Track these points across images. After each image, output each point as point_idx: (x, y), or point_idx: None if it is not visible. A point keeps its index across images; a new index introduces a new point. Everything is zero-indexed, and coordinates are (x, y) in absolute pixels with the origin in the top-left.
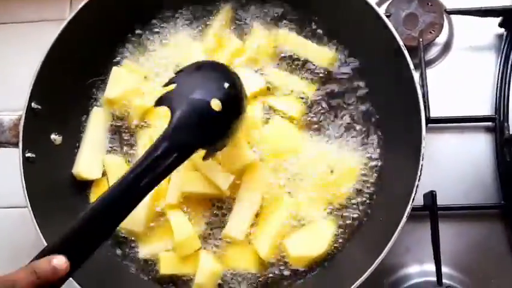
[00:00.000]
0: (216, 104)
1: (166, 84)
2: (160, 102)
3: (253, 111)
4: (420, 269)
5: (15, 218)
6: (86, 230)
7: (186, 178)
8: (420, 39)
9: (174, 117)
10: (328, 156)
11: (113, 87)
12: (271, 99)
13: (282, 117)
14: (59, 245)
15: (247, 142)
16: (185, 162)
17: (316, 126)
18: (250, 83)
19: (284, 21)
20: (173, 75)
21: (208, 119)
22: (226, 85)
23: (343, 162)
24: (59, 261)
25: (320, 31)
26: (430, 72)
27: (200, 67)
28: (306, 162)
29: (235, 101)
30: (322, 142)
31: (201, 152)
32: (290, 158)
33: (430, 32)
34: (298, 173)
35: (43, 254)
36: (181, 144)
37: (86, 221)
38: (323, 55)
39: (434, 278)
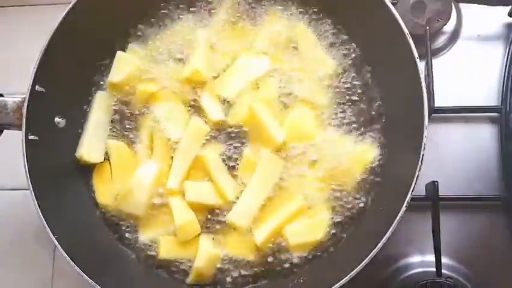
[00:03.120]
0: None
1: None
2: None
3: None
4: (422, 259)
5: (19, 200)
6: None
7: (195, 188)
8: (427, 28)
9: None
10: (336, 145)
11: (117, 72)
12: (296, 86)
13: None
14: None
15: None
16: (197, 170)
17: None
18: (256, 67)
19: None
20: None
21: None
22: None
23: (350, 151)
24: None
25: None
26: (437, 61)
27: None
28: (318, 151)
29: None
30: (330, 131)
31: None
32: (304, 144)
33: (438, 21)
34: (310, 161)
35: None
36: None
37: None
38: (325, 66)
39: (435, 269)
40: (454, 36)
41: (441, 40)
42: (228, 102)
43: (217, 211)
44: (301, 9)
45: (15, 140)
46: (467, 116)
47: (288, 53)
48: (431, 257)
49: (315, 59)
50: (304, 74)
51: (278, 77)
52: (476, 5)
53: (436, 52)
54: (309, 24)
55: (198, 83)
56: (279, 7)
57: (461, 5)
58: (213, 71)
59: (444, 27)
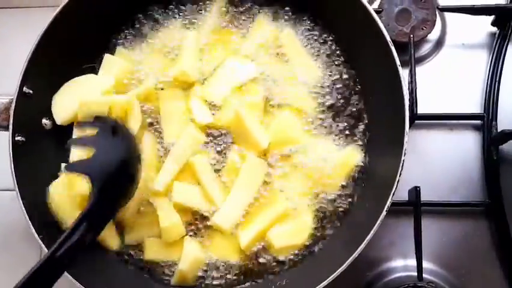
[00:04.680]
0: (127, 170)
1: (78, 144)
2: (76, 168)
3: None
4: (404, 263)
5: (5, 201)
6: None
7: (183, 190)
8: (411, 35)
9: (93, 193)
10: (320, 149)
11: (105, 75)
12: (281, 89)
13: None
14: None
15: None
16: (185, 173)
17: (310, 119)
18: (242, 72)
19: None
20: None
21: (121, 185)
22: (131, 150)
23: (334, 156)
24: None
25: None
26: (421, 68)
27: (114, 131)
28: (302, 155)
29: (138, 160)
30: (314, 135)
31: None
32: (288, 148)
33: (422, 29)
34: (294, 165)
35: None
36: (98, 225)
37: None
38: (310, 73)
39: (416, 273)
40: (439, 44)
41: (425, 48)
42: (215, 106)
43: (202, 214)
44: (287, 16)
45: (1, 141)
46: (450, 123)
47: (274, 59)
48: (413, 261)
49: (300, 65)
50: (289, 79)
51: (264, 82)
52: (460, 14)
53: (421, 60)
54: (295, 30)
55: (185, 84)
56: (267, 13)
57: (446, 14)
58: (201, 74)
59: (429, 35)
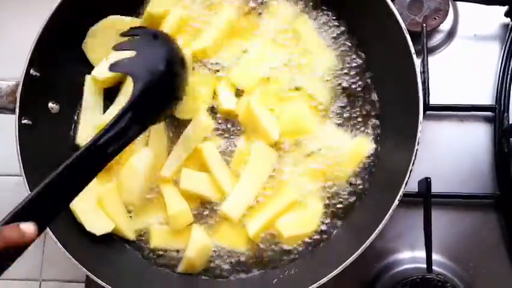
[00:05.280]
0: (170, 71)
1: (120, 48)
2: (119, 67)
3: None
4: (412, 255)
5: (11, 187)
6: (53, 193)
7: (191, 177)
8: (424, 25)
9: (136, 88)
10: (331, 139)
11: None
12: (302, 77)
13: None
14: (27, 207)
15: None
16: (194, 160)
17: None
18: (271, 59)
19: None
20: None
21: (166, 87)
22: (175, 52)
23: (345, 145)
24: (27, 227)
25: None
26: (433, 59)
27: (155, 36)
28: (313, 144)
29: (183, 64)
30: (326, 125)
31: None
32: (300, 137)
33: (435, 18)
34: (305, 154)
35: (11, 217)
36: (143, 116)
37: (53, 184)
38: (325, 62)
39: (425, 265)
40: (450, 34)
41: (437, 38)
42: (242, 92)
43: (210, 201)
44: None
45: (7, 125)
46: (461, 114)
47: (288, 45)
48: (421, 253)
49: (315, 53)
50: (303, 67)
51: (280, 69)
52: (473, 4)
53: (432, 50)
54: (310, 16)
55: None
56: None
57: (458, 4)
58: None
59: (441, 25)
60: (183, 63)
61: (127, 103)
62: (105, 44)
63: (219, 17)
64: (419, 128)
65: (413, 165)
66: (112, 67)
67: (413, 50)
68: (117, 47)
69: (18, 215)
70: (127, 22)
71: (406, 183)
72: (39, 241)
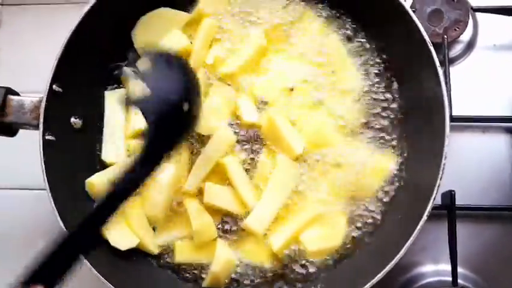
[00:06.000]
0: (185, 105)
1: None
2: (134, 103)
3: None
4: (435, 268)
5: (30, 200)
6: (62, 255)
7: (214, 191)
8: (445, 36)
9: (151, 129)
10: (355, 153)
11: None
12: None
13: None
14: (38, 270)
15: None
16: (216, 174)
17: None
18: (295, 73)
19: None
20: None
21: (180, 121)
22: (191, 84)
23: (369, 160)
24: None
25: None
26: (453, 70)
27: (169, 63)
28: (337, 158)
29: (198, 95)
30: (350, 139)
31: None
32: (323, 151)
33: (455, 29)
34: (328, 168)
35: (24, 280)
36: (158, 158)
37: (63, 246)
38: (351, 79)
39: (449, 278)
40: (470, 45)
41: (457, 49)
42: (266, 104)
43: (233, 215)
44: (330, 17)
45: (24, 139)
46: (482, 125)
47: (317, 61)
48: (444, 266)
49: (342, 71)
50: (328, 83)
51: (306, 84)
52: (492, 15)
53: (452, 61)
54: (338, 33)
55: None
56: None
57: (477, 14)
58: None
59: (461, 36)
60: (198, 90)
61: (142, 149)
62: (153, 35)
63: (248, 42)
64: (446, 143)
65: (440, 180)
66: (127, 101)
67: (438, 63)
68: (128, 75)
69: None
70: (178, 15)
71: (434, 198)
72: None
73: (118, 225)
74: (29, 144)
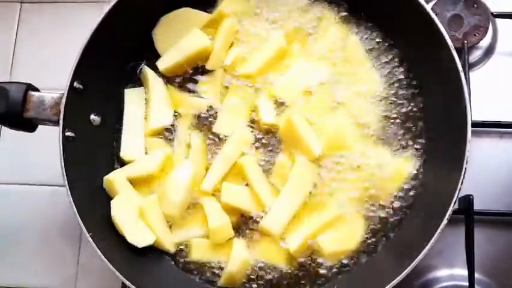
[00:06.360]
0: None
1: None
2: None
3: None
4: (450, 272)
5: (45, 195)
6: None
7: (232, 191)
8: (465, 41)
9: None
10: (374, 156)
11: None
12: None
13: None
14: None
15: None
16: (233, 174)
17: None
18: (314, 74)
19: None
20: None
21: None
22: None
23: (388, 163)
24: None
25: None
26: (471, 75)
27: None
28: (355, 161)
29: None
30: (370, 142)
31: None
32: (342, 153)
33: (474, 35)
34: (347, 170)
35: None
36: None
37: None
38: (372, 82)
39: (464, 283)
40: (489, 51)
41: (476, 55)
42: (285, 105)
43: (249, 215)
44: (352, 20)
45: (39, 135)
46: (501, 131)
47: (338, 64)
48: (459, 271)
49: (362, 73)
50: (349, 85)
51: (326, 86)
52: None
53: (471, 66)
54: (360, 36)
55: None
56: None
57: (498, 20)
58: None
59: (480, 41)
60: None
61: None
62: (173, 35)
63: (269, 43)
64: (468, 147)
65: (461, 184)
66: None
67: (460, 68)
68: None
69: None
70: (198, 15)
71: (455, 202)
72: (74, 251)
73: (135, 222)
74: (45, 141)
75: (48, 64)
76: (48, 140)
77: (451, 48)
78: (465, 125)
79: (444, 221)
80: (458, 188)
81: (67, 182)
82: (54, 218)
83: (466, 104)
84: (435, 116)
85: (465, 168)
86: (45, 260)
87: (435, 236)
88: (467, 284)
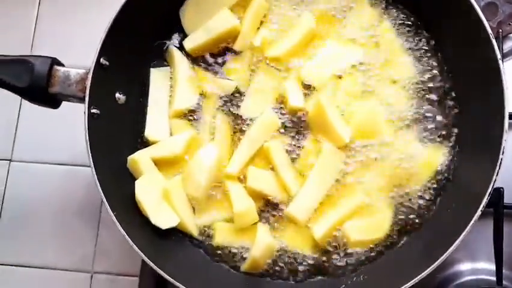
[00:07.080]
0: None
1: None
2: None
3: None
4: (474, 266)
5: (64, 175)
6: None
7: (258, 175)
8: (500, 30)
9: None
10: (404, 145)
11: None
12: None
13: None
14: None
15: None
16: (259, 158)
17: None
18: (346, 56)
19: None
20: None
21: None
22: None
23: (419, 153)
24: None
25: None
26: (505, 65)
27: None
28: (385, 149)
29: None
30: (400, 130)
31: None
32: (371, 141)
33: (509, 24)
34: (376, 158)
35: None
36: None
37: None
38: (404, 69)
39: (489, 277)
40: None
41: (509, 45)
42: (313, 89)
43: (274, 201)
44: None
45: (65, 114)
46: None
47: (369, 48)
48: (483, 265)
49: (394, 60)
50: (381, 72)
51: (356, 70)
52: None
53: (504, 56)
54: (392, 22)
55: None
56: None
57: None
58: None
59: None
60: None
61: None
62: (202, 14)
63: (298, 25)
64: (504, 137)
65: (496, 175)
66: None
67: (499, 56)
68: None
69: None
70: None
71: (490, 194)
72: (93, 232)
73: (159, 203)
74: (65, 120)
75: (70, 41)
76: (68, 120)
77: (491, 37)
78: (502, 114)
79: (478, 213)
80: (494, 180)
81: (91, 160)
82: (73, 197)
83: (504, 94)
84: (469, 105)
85: (501, 159)
86: (63, 239)
87: (467, 228)
88: (491, 278)
